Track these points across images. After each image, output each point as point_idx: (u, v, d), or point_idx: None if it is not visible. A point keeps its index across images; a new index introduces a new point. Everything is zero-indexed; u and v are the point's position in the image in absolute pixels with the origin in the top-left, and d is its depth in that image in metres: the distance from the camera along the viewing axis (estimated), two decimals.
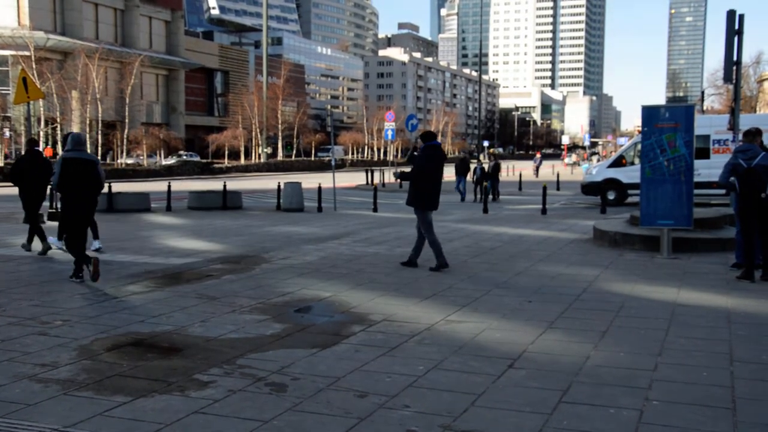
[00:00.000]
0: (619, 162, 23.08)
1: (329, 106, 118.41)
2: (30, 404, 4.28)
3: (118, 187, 22.69)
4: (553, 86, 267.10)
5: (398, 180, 9.64)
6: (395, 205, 21.80)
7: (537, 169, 47.82)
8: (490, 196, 23.47)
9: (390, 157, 67.58)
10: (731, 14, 14.99)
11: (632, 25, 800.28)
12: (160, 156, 56.40)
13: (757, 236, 8.33)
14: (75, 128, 48.35)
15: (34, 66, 43.10)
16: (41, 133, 44.73)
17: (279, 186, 20.65)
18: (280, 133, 67.17)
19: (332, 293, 7.78)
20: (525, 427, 3.94)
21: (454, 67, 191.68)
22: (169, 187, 21.02)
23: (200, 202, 20.38)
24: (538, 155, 53.22)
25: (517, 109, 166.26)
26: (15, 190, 11.88)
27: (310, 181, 27.49)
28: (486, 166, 26.27)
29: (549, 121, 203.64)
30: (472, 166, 26.92)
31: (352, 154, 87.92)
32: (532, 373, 4.92)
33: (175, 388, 4.59)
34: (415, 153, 9.81)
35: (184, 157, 58.18)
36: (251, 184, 35.09)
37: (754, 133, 8.52)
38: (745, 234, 8.47)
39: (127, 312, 6.81)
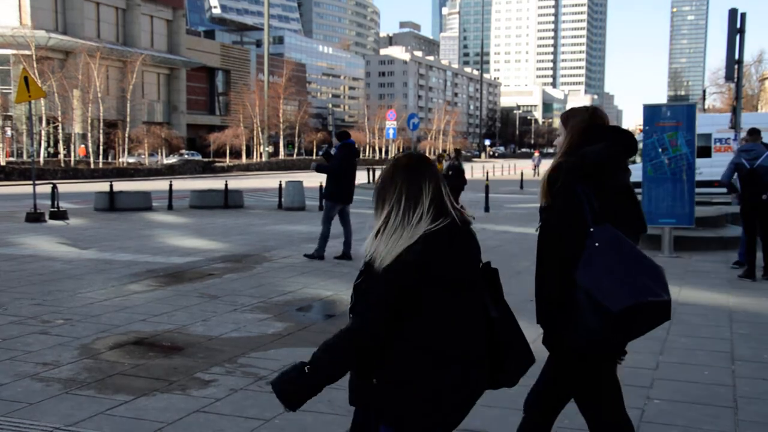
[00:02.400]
0: None
1: (330, 105, 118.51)
2: (32, 403, 4.29)
3: (120, 186, 22.70)
4: (554, 85, 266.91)
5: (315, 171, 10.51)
6: None
7: (536, 167, 47.53)
8: None
9: (392, 156, 67.51)
10: (733, 13, 14.98)
11: (634, 23, 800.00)
12: (161, 155, 56.42)
13: (757, 236, 8.34)
14: (76, 127, 48.41)
15: (35, 65, 43.08)
16: (43, 132, 44.77)
17: (280, 185, 20.64)
18: (281, 132, 67.17)
19: (333, 292, 7.78)
20: None
21: (455, 65, 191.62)
22: (171, 186, 21.03)
23: (202, 200, 20.38)
24: (537, 153, 53.00)
25: (518, 107, 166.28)
26: (16, 189, 11.87)
27: (311, 180, 27.50)
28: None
29: (550, 120, 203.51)
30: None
31: None
32: (534, 372, 4.91)
33: (176, 387, 4.60)
34: (331, 151, 10.61)
35: (186, 156, 58.18)
36: (253, 183, 35.11)
37: (758, 132, 8.49)
38: (747, 233, 8.47)
39: (129, 311, 6.82)
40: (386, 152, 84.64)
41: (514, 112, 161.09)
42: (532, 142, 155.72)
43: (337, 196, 10.26)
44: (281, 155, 67.30)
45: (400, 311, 2.09)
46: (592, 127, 2.73)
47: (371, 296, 2.11)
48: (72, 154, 46.47)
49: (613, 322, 2.35)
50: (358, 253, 10.76)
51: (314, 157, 71.87)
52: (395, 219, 2.15)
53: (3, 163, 40.32)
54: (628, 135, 2.73)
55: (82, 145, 48.35)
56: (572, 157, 2.65)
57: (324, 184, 10.65)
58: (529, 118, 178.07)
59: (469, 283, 2.21)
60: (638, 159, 20.37)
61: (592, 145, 2.62)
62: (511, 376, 2.32)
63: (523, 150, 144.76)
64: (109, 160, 51.80)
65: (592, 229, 2.45)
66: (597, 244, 2.42)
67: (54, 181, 20.56)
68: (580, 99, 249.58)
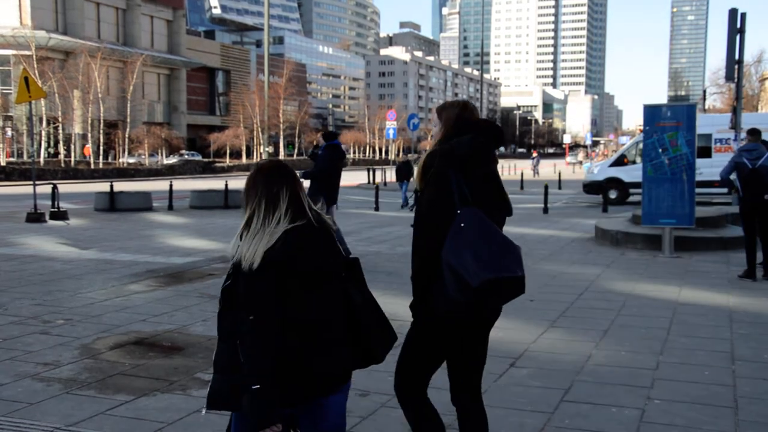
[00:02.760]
0: (620, 161, 23.06)
1: (331, 106, 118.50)
2: (32, 403, 4.29)
3: (120, 186, 22.70)
4: (554, 85, 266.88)
5: (305, 179, 10.20)
6: (397, 204, 21.79)
7: (535, 168, 47.22)
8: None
9: (392, 156, 67.58)
10: (733, 13, 14.98)
11: (634, 23, 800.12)
12: (161, 155, 56.44)
13: (757, 236, 8.34)
14: (77, 128, 48.42)
15: (35, 65, 43.11)
16: (43, 133, 44.79)
17: None
18: (281, 132, 67.18)
19: None
20: (527, 425, 3.94)
21: (455, 66, 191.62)
22: (171, 186, 21.03)
23: (202, 201, 20.39)
24: (535, 154, 52.82)
25: (518, 108, 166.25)
26: (16, 189, 11.88)
27: None
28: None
29: (551, 120, 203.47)
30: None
31: (354, 153, 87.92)
32: (534, 371, 4.92)
33: (177, 387, 4.60)
34: (317, 151, 10.47)
35: (186, 157, 58.21)
36: None
37: (759, 132, 8.45)
38: (747, 233, 8.47)
39: (129, 311, 6.82)
40: (386, 152, 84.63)
41: (515, 112, 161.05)
42: (532, 142, 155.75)
43: (328, 198, 9.87)
44: (281, 155, 67.32)
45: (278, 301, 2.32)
46: (462, 119, 2.97)
47: (253, 294, 2.28)
48: (73, 154, 46.47)
49: (472, 293, 2.62)
50: (355, 252, 10.76)
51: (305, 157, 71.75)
52: (257, 221, 2.36)
53: (3, 164, 40.34)
54: (495, 127, 3.01)
55: (87, 145, 48.43)
56: (446, 145, 2.89)
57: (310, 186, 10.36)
58: (529, 118, 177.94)
59: (328, 274, 2.44)
60: (638, 159, 20.44)
61: (463, 135, 2.88)
62: (376, 353, 2.62)
63: (521, 150, 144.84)
64: (110, 160, 51.82)
65: (459, 211, 2.72)
66: (462, 224, 2.69)
67: (54, 182, 20.56)
68: (580, 99, 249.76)
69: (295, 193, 2.43)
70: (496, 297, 2.78)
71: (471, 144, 2.84)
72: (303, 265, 2.34)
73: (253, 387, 2.26)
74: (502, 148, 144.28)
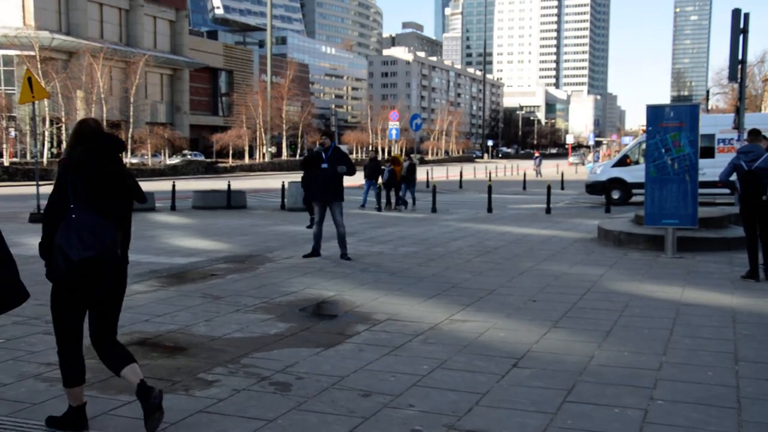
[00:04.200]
0: (623, 161, 23.04)
1: (333, 106, 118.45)
2: (35, 403, 4.30)
3: None
4: (557, 85, 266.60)
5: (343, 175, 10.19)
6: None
7: (537, 168, 47.08)
8: (397, 202, 20.71)
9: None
10: (736, 13, 14.96)
11: (637, 24, 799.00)
12: (164, 155, 56.50)
13: (757, 236, 8.34)
14: None
15: (39, 66, 43.18)
16: (46, 133, 44.85)
17: (283, 185, 20.65)
18: (284, 133, 67.21)
19: (336, 292, 7.78)
20: (529, 426, 3.94)
21: (458, 66, 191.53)
22: (174, 186, 21.06)
23: (204, 201, 20.41)
24: (537, 154, 52.71)
25: (521, 108, 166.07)
26: (20, 190, 11.90)
27: None
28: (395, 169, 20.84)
29: (553, 121, 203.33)
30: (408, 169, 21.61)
31: (357, 153, 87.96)
32: (537, 372, 4.91)
33: (179, 387, 4.60)
34: (309, 152, 10.66)
35: (189, 157, 58.26)
36: (255, 184, 35.13)
37: (758, 133, 8.47)
38: (748, 234, 8.46)
39: (132, 311, 6.83)
40: (389, 152, 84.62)
41: (517, 112, 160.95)
42: (535, 142, 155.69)
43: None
44: (284, 156, 67.35)
45: None
46: (81, 132, 3.85)
47: None
48: None
49: (74, 267, 3.68)
50: (358, 252, 10.76)
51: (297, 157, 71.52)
52: None
53: (7, 164, 40.41)
54: (108, 138, 3.88)
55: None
56: (68, 153, 3.82)
57: (335, 187, 10.29)
58: (532, 118, 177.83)
59: None
60: (641, 160, 20.42)
61: (82, 145, 3.80)
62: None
63: (526, 151, 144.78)
64: None
65: (72, 206, 3.69)
66: (73, 216, 3.69)
67: None
68: (583, 99, 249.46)
69: None
70: (93, 272, 3.73)
71: (83, 152, 3.76)
72: None
73: None
74: (504, 149, 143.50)
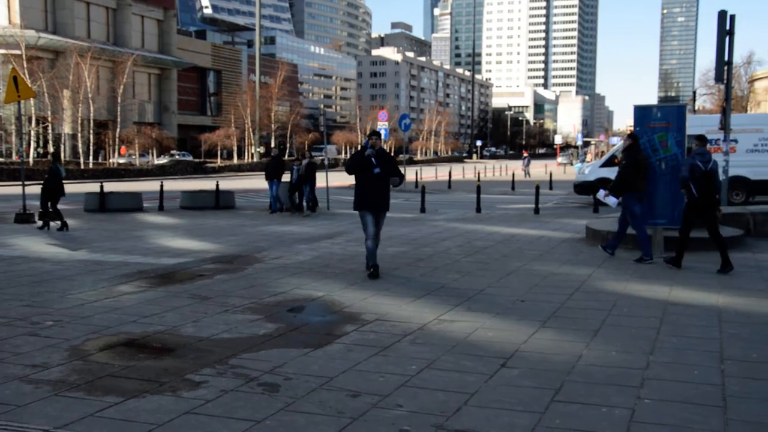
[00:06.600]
0: (611, 161, 23.13)
1: (322, 106, 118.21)
2: (20, 405, 4.26)
3: (110, 186, 22.59)
4: (545, 86, 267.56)
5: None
6: (392, 205, 21.76)
7: (526, 168, 47.24)
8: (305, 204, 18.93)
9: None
10: (722, 15, 15.06)
11: (624, 25, 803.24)
12: (152, 155, 56.19)
13: (687, 230, 9.24)
14: (66, 127, 48.14)
15: (25, 65, 42.84)
16: (32, 133, 44.49)
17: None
18: (273, 133, 67.05)
19: (325, 293, 7.77)
20: (518, 426, 3.94)
21: (447, 66, 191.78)
22: (162, 186, 20.96)
23: (193, 201, 20.31)
24: (526, 154, 52.91)
25: (510, 108, 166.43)
26: (5, 190, 11.80)
27: None
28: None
29: (542, 121, 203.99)
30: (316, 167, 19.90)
31: (346, 153, 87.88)
32: (525, 372, 4.92)
33: (167, 388, 4.58)
34: (358, 153, 9.60)
35: (177, 157, 58.00)
36: (244, 184, 35.03)
37: (705, 138, 9.48)
38: (688, 227, 9.24)
39: (119, 312, 6.78)
40: None
41: (506, 113, 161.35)
42: (523, 143, 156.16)
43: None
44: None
45: None
46: None
47: None
48: (63, 154, 46.18)
49: None
50: (346, 253, 10.75)
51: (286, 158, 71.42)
52: None
53: None
54: None
55: (123, 146, 49.55)
56: None
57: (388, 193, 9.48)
58: (520, 119, 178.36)
59: None
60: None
61: None
62: None
63: (513, 152, 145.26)
64: (100, 160, 51.56)
65: None
66: None
67: (43, 182, 20.41)
68: (571, 100, 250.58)
69: None
70: None
71: None
72: None
73: None
74: (493, 149, 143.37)
